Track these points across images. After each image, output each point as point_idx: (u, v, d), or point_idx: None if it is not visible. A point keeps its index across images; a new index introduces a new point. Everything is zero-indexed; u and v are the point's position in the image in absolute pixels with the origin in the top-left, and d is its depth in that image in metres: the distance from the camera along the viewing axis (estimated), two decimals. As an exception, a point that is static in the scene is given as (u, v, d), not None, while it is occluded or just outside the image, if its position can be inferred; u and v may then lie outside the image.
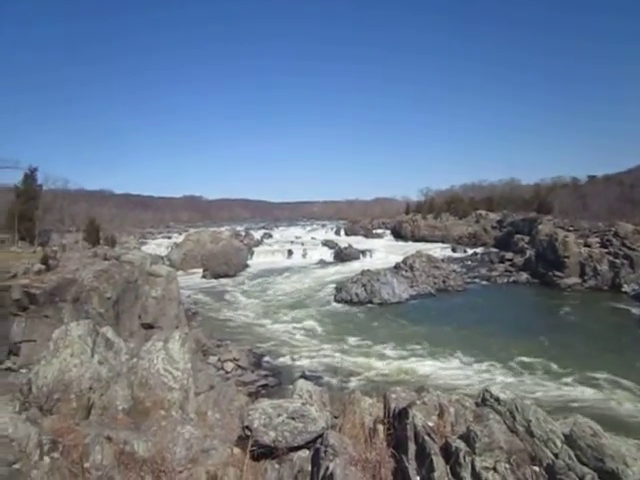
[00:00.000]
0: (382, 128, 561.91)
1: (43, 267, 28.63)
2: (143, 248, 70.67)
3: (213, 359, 30.07)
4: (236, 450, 6.08)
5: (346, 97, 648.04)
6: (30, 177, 41.17)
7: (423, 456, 5.01)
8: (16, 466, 4.67)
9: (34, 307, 26.25)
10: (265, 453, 5.85)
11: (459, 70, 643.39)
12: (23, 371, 22.41)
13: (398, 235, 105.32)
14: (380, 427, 5.98)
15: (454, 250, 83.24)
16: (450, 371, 28.51)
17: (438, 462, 4.83)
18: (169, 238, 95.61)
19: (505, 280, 59.45)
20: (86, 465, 5.09)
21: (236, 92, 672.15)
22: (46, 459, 4.94)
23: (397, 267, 58.15)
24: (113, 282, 30.06)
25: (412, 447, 5.20)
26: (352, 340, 34.73)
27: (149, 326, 31.27)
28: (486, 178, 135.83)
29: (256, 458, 5.83)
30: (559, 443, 4.90)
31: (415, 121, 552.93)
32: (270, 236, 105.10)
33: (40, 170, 42.84)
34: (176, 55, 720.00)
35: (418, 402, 5.80)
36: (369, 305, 45.85)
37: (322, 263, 75.79)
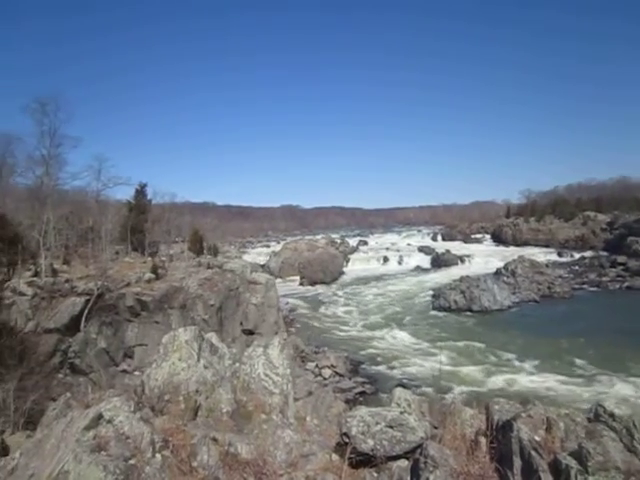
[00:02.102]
0: (479, 129, 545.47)
1: (153, 276, 30.52)
2: (243, 257, 73.36)
3: (311, 365, 30.53)
4: (334, 456, 6.09)
5: (442, 98, 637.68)
6: (141, 192, 44.22)
7: (529, 472, 4.76)
8: (131, 461, 4.99)
9: (145, 313, 28.09)
10: (363, 461, 5.80)
11: (561, 65, 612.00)
12: (137, 373, 24.03)
13: (498, 240, 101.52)
14: (482, 439, 5.76)
15: (560, 254, 78.83)
16: (557, 383, 26.92)
17: None
18: (268, 247, 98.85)
19: (617, 286, 55.30)
20: (194, 464, 5.33)
21: (332, 103, 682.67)
22: (158, 456, 5.23)
23: (498, 273, 56.15)
24: (216, 290, 31.46)
25: (517, 462, 4.96)
26: (451, 349, 33.79)
27: (250, 332, 32.38)
28: (594, 177, 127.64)
29: (354, 466, 5.80)
30: (685, 465, 4.46)
31: (514, 120, 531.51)
32: (365, 243, 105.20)
33: (150, 185, 45.92)
34: (274, 67, 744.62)
35: (523, 415, 5.52)
36: (468, 312, 44.45)
37: (418, 269, 74.65)
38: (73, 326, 24.97)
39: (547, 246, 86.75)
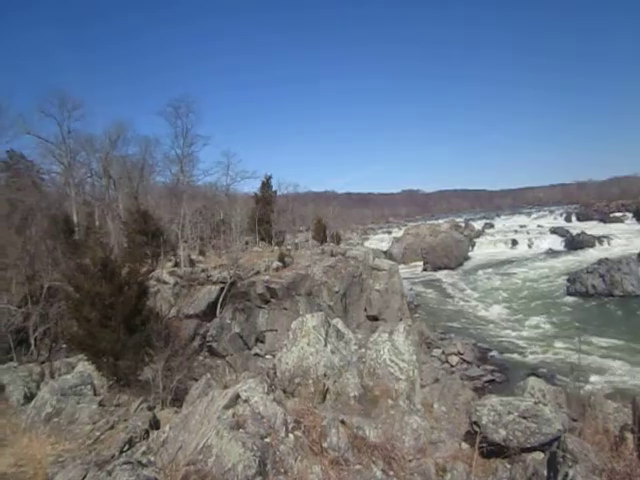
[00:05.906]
0: (616, 95, 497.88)
1: (280, 264, 31.80)
2: (365, 243, 74.01)
3: (437, 352, 30.11)
4: (464, 445, 6.02)
5: (577, 61, 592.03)
6: (266, 184, 46.15)
7: (684, 473, 4.37)
8: (267, 440, 5.33)
9: (274, 300, 29.39)
10: (495, 451, 5.66)
11: None
12: (268, 357, 25.33)
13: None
14: (629, 435, 5.37)
15: None
16: None
17: None
18: (389, 233, 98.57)
19: None
20: (324, 445, 5.55)
21: (451, 83, 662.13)
22: (291, 436, 5.52)
23: (643, 254, 51.16)
24: (340, 277, 32.04)
25: (670, 462, 4.58)
26: (589, 337, 31.44)
27: (374, 318, 32.60)
28: None
29: (485, 455, 5.68)
30: None
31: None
32: (491, 226, 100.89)
33: (274, 177, 47.91)
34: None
35: (676, 411, 5.07)
36: (608, 298, 41.00)
37: (551, 252, 70.11)
38: (210, 312, 26.86)
39: None
